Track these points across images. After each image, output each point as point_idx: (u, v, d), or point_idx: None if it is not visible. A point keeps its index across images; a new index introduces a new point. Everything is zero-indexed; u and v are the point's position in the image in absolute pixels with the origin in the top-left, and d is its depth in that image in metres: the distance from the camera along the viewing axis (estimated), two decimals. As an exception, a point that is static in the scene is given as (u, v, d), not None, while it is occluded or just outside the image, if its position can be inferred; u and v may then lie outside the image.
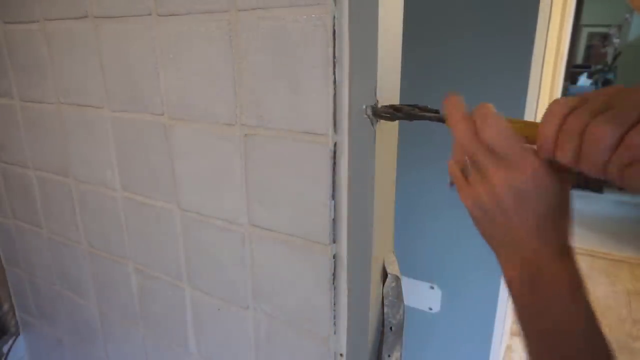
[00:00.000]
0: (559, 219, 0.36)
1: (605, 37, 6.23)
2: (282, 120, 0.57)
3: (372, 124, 0.53)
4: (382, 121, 0.54)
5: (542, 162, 0.34)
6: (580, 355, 0.34)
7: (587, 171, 0.29)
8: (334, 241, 0.59)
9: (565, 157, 0.30)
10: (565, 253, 0.36)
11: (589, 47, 6.47)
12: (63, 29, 0.76)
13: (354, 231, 0.57)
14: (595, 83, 5.66)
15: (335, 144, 0.54)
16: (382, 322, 0.63)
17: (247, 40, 0.56)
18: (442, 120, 0.50)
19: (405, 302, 0.63)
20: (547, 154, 0.32)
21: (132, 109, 0.72)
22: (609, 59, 5.85)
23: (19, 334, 1.22)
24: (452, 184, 0.44)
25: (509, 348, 2.12)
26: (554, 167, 0.34)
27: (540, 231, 0.36)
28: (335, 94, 0.52)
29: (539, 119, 0.34)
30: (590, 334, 0.35)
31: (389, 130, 0.59)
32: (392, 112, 0.53)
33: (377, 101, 0.53)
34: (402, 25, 0.57)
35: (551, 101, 0.32)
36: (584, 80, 5.84)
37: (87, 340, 1.04)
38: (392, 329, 0.62)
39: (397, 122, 0.58)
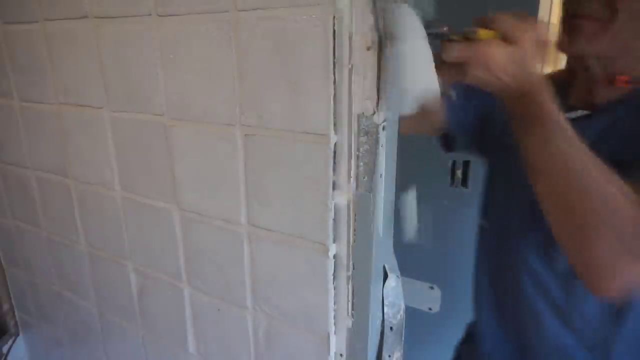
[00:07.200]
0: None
1: (604, 38, 6.24)
2: (282, 120, 0.57)
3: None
4: (384, 123, 0.54)
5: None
6: None
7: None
8: (334, 241, 0.59)
9: None
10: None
11: (588, 47, 6.48)
12: (63, 30, 0.76)
13: (356, 231, 0.57)
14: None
15: (335, 144, 0.54)
16: (382, 322, 0.62)
17: (247, 40, 0.56)
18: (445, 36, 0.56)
19: (405, 302, 0.63)
20: None
21: (132, 109, 0.72)
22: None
23: (18, 334, 1.22)
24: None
25: (508, 348, 2.11)
26: None
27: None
28: (335, 94, 0.52)
29: None
30: None
31: (391, 127, 0.59)
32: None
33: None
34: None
35: None
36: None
37: (86, 340, 1.04)
38: (392, 329, 0.62)
39: (397, 122, 0.58)
